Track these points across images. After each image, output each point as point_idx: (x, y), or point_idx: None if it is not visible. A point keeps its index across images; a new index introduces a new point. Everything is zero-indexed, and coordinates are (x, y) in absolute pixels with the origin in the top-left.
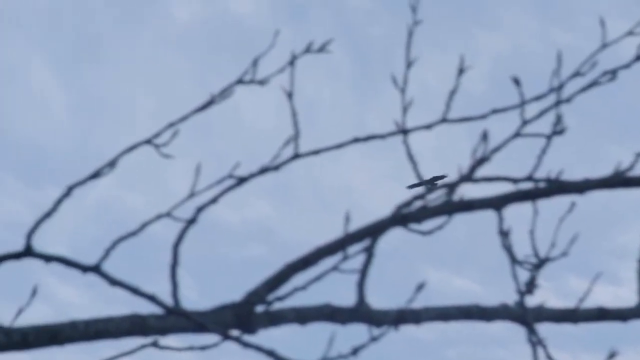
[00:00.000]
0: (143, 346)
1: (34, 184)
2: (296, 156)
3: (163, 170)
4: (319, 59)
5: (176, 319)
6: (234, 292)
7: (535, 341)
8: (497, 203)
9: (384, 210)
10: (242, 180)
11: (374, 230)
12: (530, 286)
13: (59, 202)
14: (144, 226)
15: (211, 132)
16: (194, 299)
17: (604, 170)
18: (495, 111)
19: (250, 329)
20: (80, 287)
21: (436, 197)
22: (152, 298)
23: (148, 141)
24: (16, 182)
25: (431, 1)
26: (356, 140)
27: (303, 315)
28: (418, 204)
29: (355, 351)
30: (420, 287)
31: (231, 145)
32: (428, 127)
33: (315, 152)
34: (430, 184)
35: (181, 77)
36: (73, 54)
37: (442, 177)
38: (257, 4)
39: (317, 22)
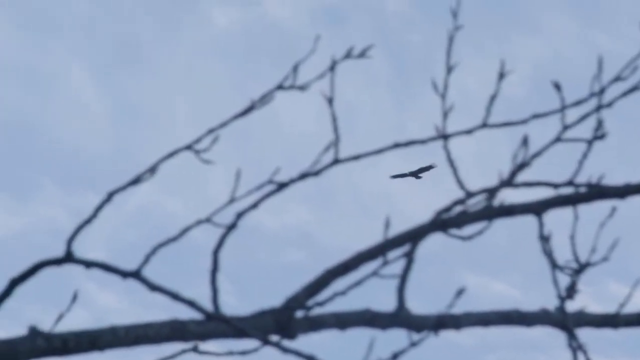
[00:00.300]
0: (183, 351)
1: (73, 190)
2: (336, 161)
3: (202, 176)
4: (358, 64)
5: (216, 325)
6: (273, 298)
7: (576, 346)
8: (538, 208)
9: (423, 215)
10: (282, 186)
11: (414, 236)
12: (571, 291)
13: (99, 208)
14: (184, 232)
15: (250, 137)
16: (233, 305)
17: None
18: (535, 116)
19: (290, 334)
20: (120, 292)
21: (476, 203)
22: (192, 303)
23: (188, 147)
24: (55, 188)
25: (471, 6)
26: (396, 145)
27: (343, 321)
28: (458, 209)
29: (395, 356)
30: (460, 293)
31: (270, 151)
32: (468, 132)
33: (356, 158)
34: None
35: (220, 82)
36: (112, 60)
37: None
38: (295, 9)
39: (355, 27)
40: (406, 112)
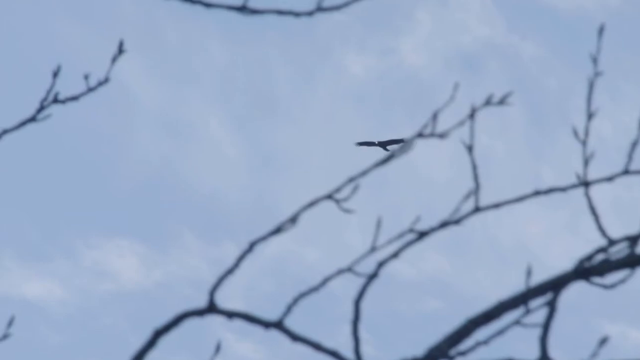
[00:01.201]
0: None
1: (212, 239)
2: (477, 210)
3: (339, 225)
4: (493, 111)
5: None
6: (413, 347)
7: None
8: None
9: (563, 263)
10: (422, 235)
11: (556, 284)
12: None
13: (240, 258)
14: (325, 281)
15: (390, 185)
16: (374, 354)
17: None
18: None
19: None
20: (259, 343)
21: (618, 250)
22: (334, 354)
23: (329, 196)
24: (194, 237)
25: (608, 51)
26: (537, 193)
27: None
28: (600, 257)
29: None
30: (602, 342)
31: (410, 199)
32: (609, 179)
33: (496, 206)
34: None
35: (357, 130)
36: (249, 109)
37: (394, 142)
38: (431, 57)
39: (491, 73)
40: (543, 159)
